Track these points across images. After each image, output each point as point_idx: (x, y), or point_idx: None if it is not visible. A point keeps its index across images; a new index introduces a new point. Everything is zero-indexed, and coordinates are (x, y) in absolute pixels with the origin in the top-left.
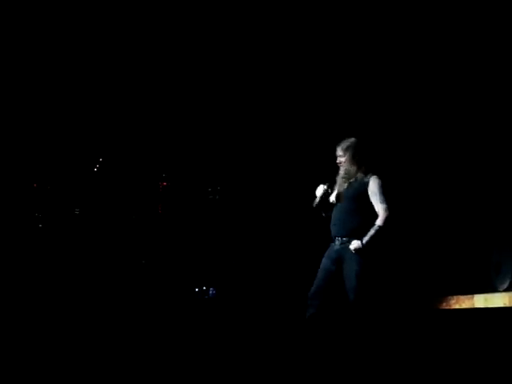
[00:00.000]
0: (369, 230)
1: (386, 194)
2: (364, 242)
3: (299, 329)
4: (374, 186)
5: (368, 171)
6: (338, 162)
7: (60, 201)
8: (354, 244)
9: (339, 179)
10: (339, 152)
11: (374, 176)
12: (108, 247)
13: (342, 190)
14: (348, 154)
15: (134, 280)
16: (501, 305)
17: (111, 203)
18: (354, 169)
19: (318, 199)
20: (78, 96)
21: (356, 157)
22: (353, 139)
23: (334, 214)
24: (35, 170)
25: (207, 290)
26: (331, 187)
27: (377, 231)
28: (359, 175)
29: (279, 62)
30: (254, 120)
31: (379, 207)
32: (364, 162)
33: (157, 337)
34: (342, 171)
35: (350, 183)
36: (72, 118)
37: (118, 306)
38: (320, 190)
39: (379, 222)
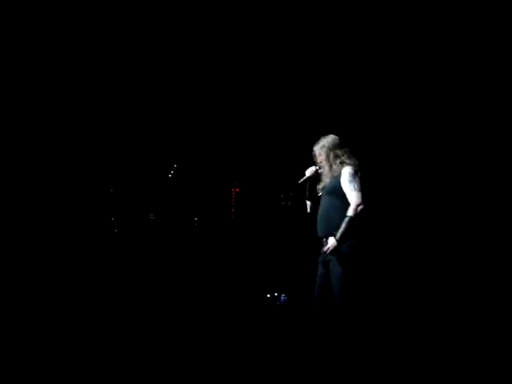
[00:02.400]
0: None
1: (358, 182)
2: (337, 237)
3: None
4: (344, 176)
5: (348, 160)
6: (315, 162)
7: (135, 206)
8: (329, 243)
9: (322, 179)
10: (315, 152)
11: (346, 166)
12: (181, 252)
13: (323, 186)
14: (323, 153)
15: (206, 285)
16: None
17: (185, 208)
18: (331, 166)
19: (304, 177)
20: (155, 105)
21: (331, 154)
22: (328, 136)
23: (318, 213)
24: (112, 175)
25: (279, 296)
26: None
27: (348, 223)
28: (338, 170)
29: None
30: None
31: (350, 195)
32: (341, 157)
33: (230, 342)
34: (322, 171)
35: (330, 180)
36: (148, 125)
37: (191, 309)
38: (310, 170)
39: (349, 211)
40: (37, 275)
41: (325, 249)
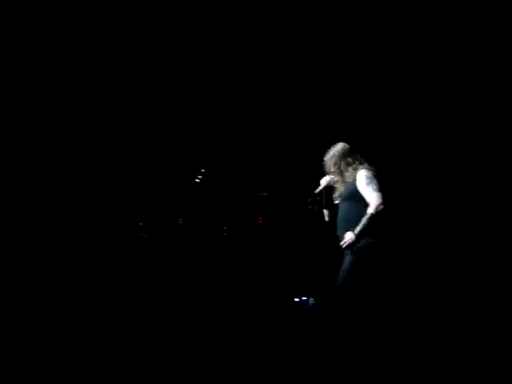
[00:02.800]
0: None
1: (375, 183)
2: (356, 231)
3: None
4: (360, 180)
5: (360, 166)
6: (327, 172)
7: (163, 211)
8: (347, 236)
9: (337, 187)
10: (326, 163)
11: (361, 170)
12: (209, 257)
13: (339, 194)
14: (334, 163)
15: (236, 290)
16: None
17: (213, 214)
18: (344, 174)
19: (320, 188)
20: (184, 110)
21: (342, 163)
22: (337, 145)
23: (337, 219)
24: (140, 180)
25: (307, 300)
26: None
27: (368, 219)
28: (352, 176)
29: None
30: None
31: (369, 197)
32: (353, 164)
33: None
34: (335, 179)
35: (345, 187)
36: (176, 130)
37: (221, 313)
38: (325, 179)
39: (370, 209)
40: (64, 278)
41: (342, 242)
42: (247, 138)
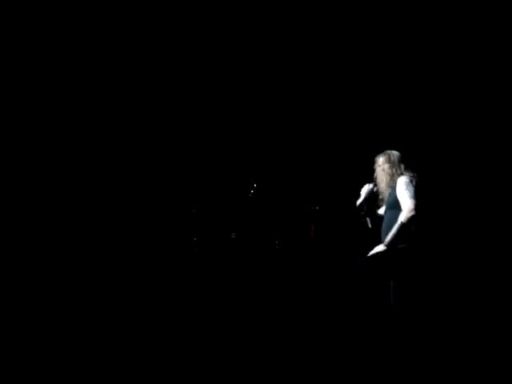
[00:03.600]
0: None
1: (412, 190)
2: (386, 242)
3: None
4: (400, 185)
5: (401, 175)
6: (374, 170)
7: (216, 225)
8: (376, 248)
9: (380, 192)
10: (378, 161)
11: (401, 176)
12: (262, 268)
13: (384, 200)
14: (386, 165)
15: (290, 300)
16: None
17: (263, 226)
18: (389, 180)
19: (362, 197)
20: (235, 126)
21: (392, 168)
22: (392, 151)
23: (382, 227)
24: (194, 196)
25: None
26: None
27: (398, 229)
28: (395, 183)
29: None
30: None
31: (403, 203)
32: (399, 171)
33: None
34: (378, 186)
35: (389, 193)
36: (227, 146)
37: (274, 326)
38: (365, 189)
39: (401, 217)
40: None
41: (370, 253)
42: (297, 154)
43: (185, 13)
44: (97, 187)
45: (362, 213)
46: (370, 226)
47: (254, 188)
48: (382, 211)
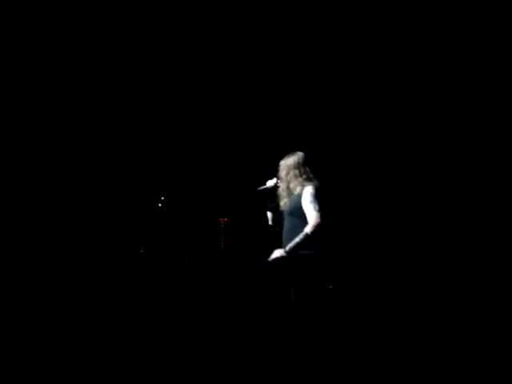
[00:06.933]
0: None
1: (318, 201)
2: (287, 249)
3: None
4: (305, 196)
5: (307, 183)
6: (277, 178)
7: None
8: (276, 252)
9: (280, 193)
10: (280, 167)
11: (308, 186)
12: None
13: (284, 207)
14: (284, 170)
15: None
16: None
17: (172, 240)
18: (288, 184)
19: (264, 187)
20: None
21: (291, 172)
22: (294, 154)
23: (283, 233)
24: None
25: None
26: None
27: (302, 239)
28: (299, 189)
29: None
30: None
31: (309, 215)
32: (299, 178)
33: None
34: (280, 186)
35: (290, 199)
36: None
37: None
38: (270, 182)
39: (307, 228)
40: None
41: (270, 258)
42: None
43: (176, 13)
44: None
45: (272, 229)
46: (270, 222)
47: (161, 201)
48: (283, 207)
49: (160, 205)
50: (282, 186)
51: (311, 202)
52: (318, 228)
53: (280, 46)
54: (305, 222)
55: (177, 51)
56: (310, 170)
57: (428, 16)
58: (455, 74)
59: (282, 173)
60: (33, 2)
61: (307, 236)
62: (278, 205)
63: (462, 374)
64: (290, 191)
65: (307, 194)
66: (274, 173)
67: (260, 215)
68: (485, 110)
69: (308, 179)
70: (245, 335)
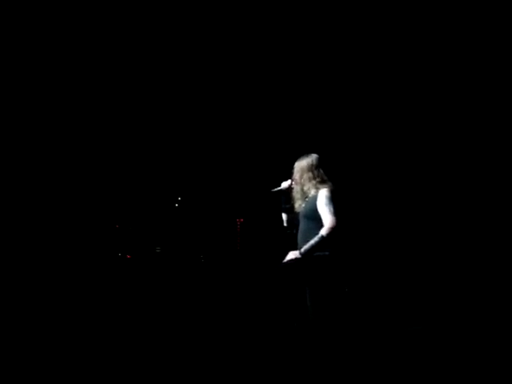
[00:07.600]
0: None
1: (333, 205)
2: (302, 251)
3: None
4: (321, 199)
5: (321, 185)
6: (292, 180)
7: (141, 240)
8: (291, 254)
9: (294, 195)
10: (294, 169)
11: (323, 189)
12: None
13: (299, 209)
14: (299, 172)
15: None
16: None
17: (189, 240)
18: (302, 186)
19: (278, 188)
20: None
21: (305, 175)
22: (308, 156)
23: (298, 236)
24: (118, 212)
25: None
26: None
27: (318, 241)
28: (313, 191)
29: None
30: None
31: (325, 218)
32: (313, 180)
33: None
34: (294, 189)
35: (305, 202)
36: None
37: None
38: (285, 183)
39: (323, 231)
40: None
41: (284, 260)
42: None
43: (182, 14)
44: None
45: (288, 231)
46: (285, 223)
47: (178, 201)
48: (298, 209)
49: (177, 205)
50: (296, 188)
51: (326, 204)
52: (333, 231)
53: (297, 49)
54: (320, 225)
55: (199, 54)
56: (324, 172)
57: (432, 17)
58: (467, 78)
59: (296, 175)
60: (33, 2)
61: (323, 238)
62: (292, 206)
63: (474, 379)
64: (304, 193)
65: (322, 196)
66: (289, 174)
67: (276, 216)
68: (489, 111)
69: (322, 182)
70: (259, 336)
